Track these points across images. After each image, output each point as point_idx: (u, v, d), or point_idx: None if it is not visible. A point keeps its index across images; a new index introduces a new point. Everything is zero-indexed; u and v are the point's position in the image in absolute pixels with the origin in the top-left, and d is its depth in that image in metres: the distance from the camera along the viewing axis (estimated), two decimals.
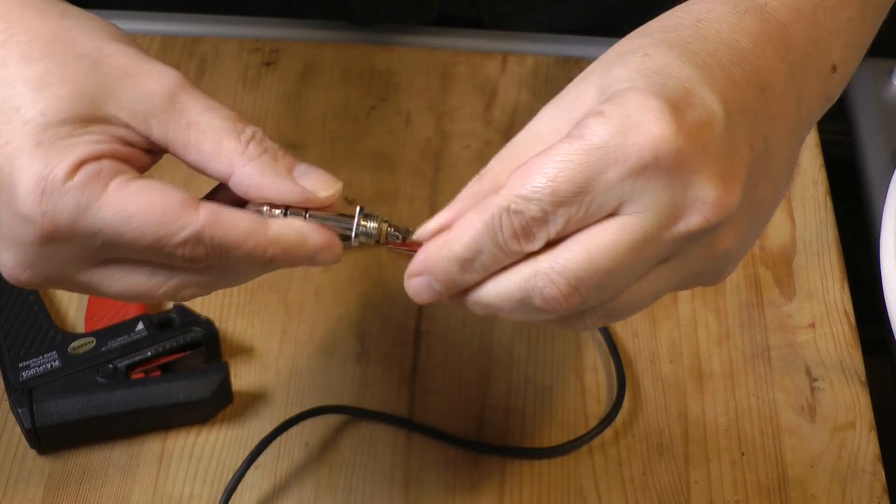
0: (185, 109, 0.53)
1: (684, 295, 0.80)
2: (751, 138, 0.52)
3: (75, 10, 0.55)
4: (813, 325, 0.79)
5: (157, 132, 0.53)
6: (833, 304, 0.80)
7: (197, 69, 0.92)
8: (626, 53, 0.53)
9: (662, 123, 0.49)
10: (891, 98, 0.92)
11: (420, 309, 0.79)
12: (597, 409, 0.75)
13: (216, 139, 0.52)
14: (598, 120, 0.49)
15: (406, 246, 0.55)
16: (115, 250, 0.52)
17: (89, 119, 0.51)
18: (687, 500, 0.71)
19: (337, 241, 0.54)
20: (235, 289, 0.80)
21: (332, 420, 0.74)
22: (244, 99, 0.90)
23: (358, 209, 0.55)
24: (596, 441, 0.73)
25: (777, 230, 0.84)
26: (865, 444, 0.74)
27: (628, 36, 0.55)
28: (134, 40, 0.55)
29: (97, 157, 0.51)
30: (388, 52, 0.94)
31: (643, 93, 0.50)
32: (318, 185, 0.54)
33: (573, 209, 0.50)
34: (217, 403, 0.73)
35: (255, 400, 0.75)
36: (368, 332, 0.78)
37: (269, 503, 0.71)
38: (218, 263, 0.53)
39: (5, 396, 0.73)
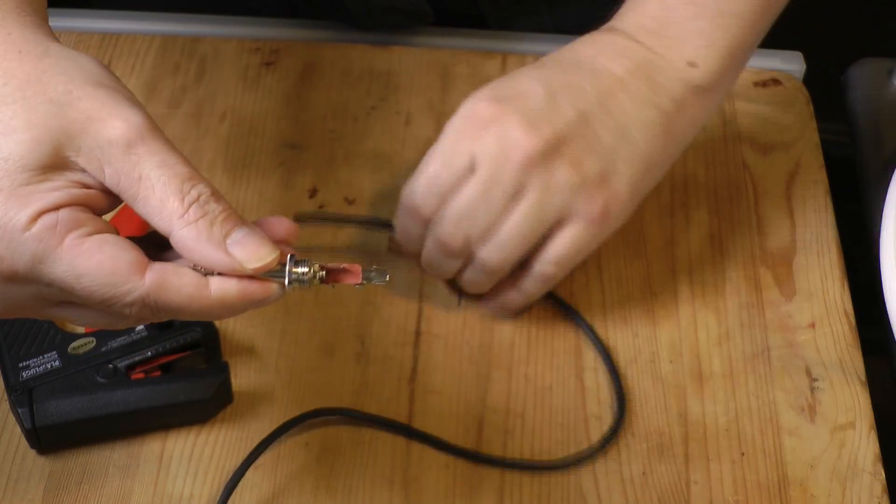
0: (140, 162, 0.53)
1: (684, 295, 0.80)
2: (575, 103, 0.71)
3: (55, 50, 0.55)
4: (813, 325, 0.79)
5: (110, 180, 0.54)
6: (833, 304, 0.80)
7: (197, 69, 0.92)
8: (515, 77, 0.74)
9: (480, 96, 0.72)
10: (891, 98, 0.92)
11: (420, 309, 0.79)
12: (597, 409, 0.75)
13: (161, 197, 0.54)
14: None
15: (339, 281, 0.58)
16: (70, 298, 0.54)
17: (49, 165, 0.53)
18: (687, 500, 0.71)
19: (274, 289, 0.56)
20: None
21: (333, 420, 0.74)
22: (244, 99, 0.90)
23: (289, 257, 0.56)
24: (596, 441, 0.73)
25: (777, 230, 0.84)
26: (865, 444, 0.74)
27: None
28: (115, 78, 0.56)
29: (56, 208, 0.53)
30: (388, 52, 0.94)
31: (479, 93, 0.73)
32: (250, 255, 0.55)
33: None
34: (217, 403, 0.73)
35: (255, 400, 0.75)
36: (368, 332, 0.78)
37: (269, 503, 0.71)
38: (166, 317, 0.56)
39: (5, 396, 0.73)
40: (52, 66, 0.54)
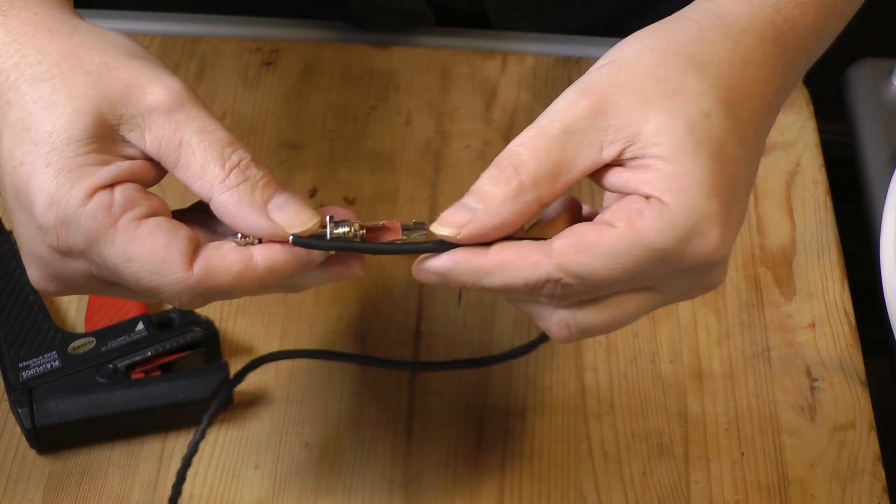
0: (180, 128, 0.54)
1: None
2: (748, 200, 0.57)
3: (84, 27, 0.56)
4: (813, 325, 0.79)
5: (151, 147, 0.54)
6: (833, 304, 0.80)
7: (197, 69, 0.92)
8: (688, 100, 0.54)
9: (720, 237, 0.53)
10: (891, 98, 0.92)
11: (420, 309, 0.79)
12: (596, 409, 0.75)
13: (202, 162, 0.53)
14: (662, 218, 0.52)
15: (380, 239, 0.56)
16: (120, 280, 0.54)
17: (94, 135, 0.53)
18: (687, 500, 0.71)
19: (315, 255, 0.55)
20: None
21: (333, 420, 0.74)
22: (244, 99, 0.90)
23: (328, 218, 0.56)
24: (596, 441, 0.73)
25: (777, 230, 0.84)
26: (865, 444, 0.74)
27: (683, 50, 0.55)
28: (145, 49, 0.56)
29: (110, 184, 0.53)
30: (388, 52, 0.94)
31: (710, 198, 0.52)
32: (291, 220, 0.54)
33: (617, 288, 0.54)
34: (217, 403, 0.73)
35: (255, 400, 0.75)
36: (368, 332, 0.78)
37: (268, 503, 0.71)
38: (218, 300, 0.55)
39: (5, 396, 0.73)
40: (84, 41, 0.55)
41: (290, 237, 0.54)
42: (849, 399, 0.76)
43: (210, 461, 0.72)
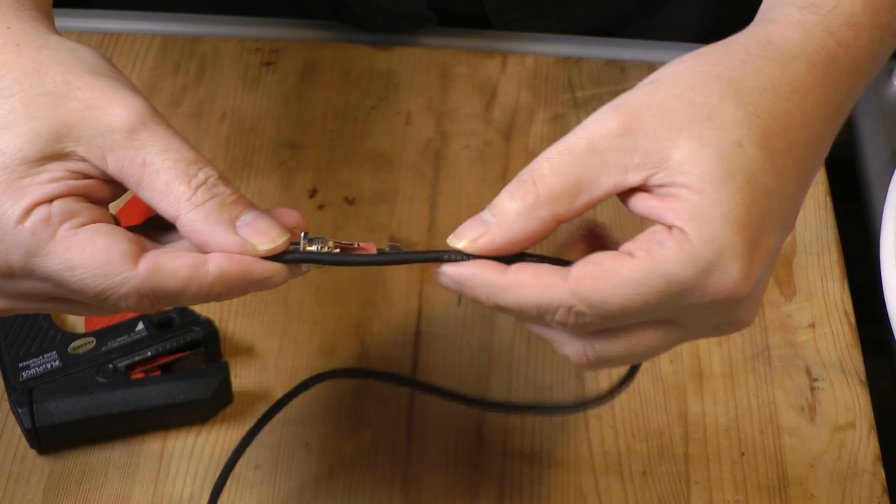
0: (143, 147, 0.53)
1: None
2: (782, 234, 0.54)
3: (54, 41, 0.55)
4: (813, 325, 0.79)
5: (113, 168, 0.53)
6: (833, 304, 0.80)
7: (197, 69, 0.92)
8: (721, 128, 0.52)
9: (743, 272, 0.51)
10: (891, 98, 0.92)
11: (420, 309, 0.79)
12: (597, 409, 0.75)
13: (167, 181, 0.53)
14: (682, 249, 0.51)
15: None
16: (66, 293, 0.53)
17: (47, 156, 0.52)
18: (687, 500, 0.71)
19: (278, 269, 0.54)
20: None
21: (333, 420, 0.74)
22: (244, 99, 0.90)
23: (302, 235, 0.55)
24: (596, 441, 0.73)
25: None
26: (865, 444, 0.74)
27: (725, 75, 0.54)
28: (114, 67, 0.55)
29: (49, 199, 0.52)
30: (388, 52, 0.94)
31: (735, 231, 0.51)
32: (259, 237, 0.53)
33: (633, 320, 0.52)
34: (217, 403, 0.73)
35: (255, 400, 0.75)
36: (368, 332, 0.78)
37: (268, 503, 0.71)
38: (167, 305, 0.54)
39: (5, 396, 0.73)
40: (49, 57, 0.54)
41: (261, 255, 0.53)
42: (849, 399, 0.76)
43: (210, 461, 0.72)
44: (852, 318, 0.79)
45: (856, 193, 0.88)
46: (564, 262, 0.53)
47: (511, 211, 0.52)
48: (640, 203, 0.53)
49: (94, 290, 0.52)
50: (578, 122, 0.90)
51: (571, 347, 0.54)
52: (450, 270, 0.53)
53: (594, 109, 0.92)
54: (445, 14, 0.95)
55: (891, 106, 0.91)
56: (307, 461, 0.72)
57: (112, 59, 0.91)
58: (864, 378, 0.77)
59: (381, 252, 0.55)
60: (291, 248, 0.54)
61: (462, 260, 0.53)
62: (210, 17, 0.96)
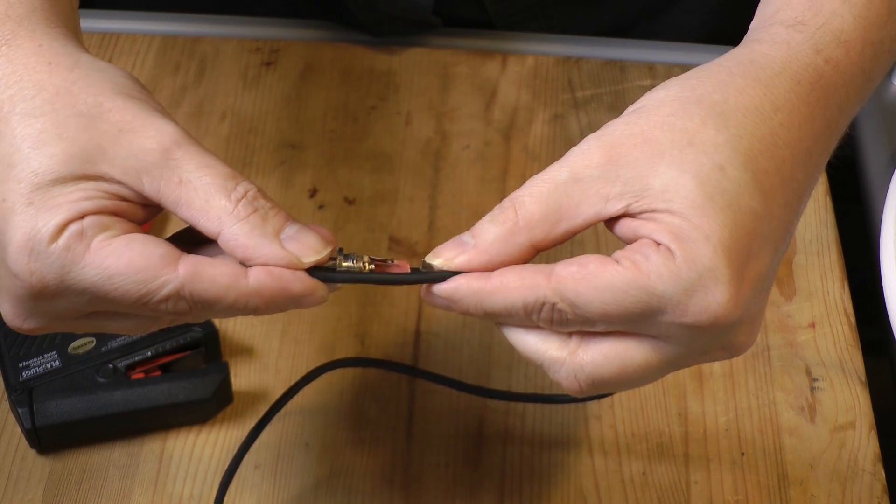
0: (179, 166, 0.53)
1: None
2: (774, 256, 0.54)
3: (86, 61, 0.55)
4: (813, 325, 0.79)
5: (150, 188, 0.53)
6: (833, 304, 0.80)
7: (197, 69, 0.92)
8: (702, 152, 0.52)
9: (728, 296, 0.51)
10: (891, 98, 0.92)
11: (420, 309, 0.79)
12: (596, 409, 0.75)
13: (206, 197, 0.53)
14: (666, 266, 0.51)
15: (390, 271, 0.56)
16: (104, 304, 0.53)
17: (80, 177, 0.52)
18: (687, 500, 0.71)
19: (320, 287, 0.54)
20: None
21: (333, 420, 0.74)
22: (244, 99, 0.90)
23: (338, 250, 0.55)
24: (596, 441, 0.73)
25: None
26: (865, 444, 0.74)
27: (706, 98, 0.54)
28: (145, 89, 0.55)
29: (81, 216, 0.52)
30: (388, 52, 0.94)
31: (718, 254, 0.51)
32: (305, 249, 0.54)
33: (615, 326, 0.52)
34: (217, 403, 0.73)
35: (255, 400, 0.75)
36: (368, 332, 0.78)
37: (268, 503, 0.71)
38: (202, 313, 0.54)
39: (5, 396, 0.73)
40: (82, 77, 0.54)
41: (306, 268, 0.53)
42: (849, 399, 0.76)
43: (210, 461, 0.72)
44: (852, 318, 0.79)
45: (856, 193, 0.88)
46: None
47: (489, 235, 0.53)
48: (624, 227, 0.53)
49: (134, 295, 0.52)
50: (578, 122, 0.90)
51: (563, 374, 0.54)
52: (438, 288, 0.54)
53: (594, 109, 0.94)
54: (450, 20, 0.95)
55: (891, 106, 0.91)
56: (307, 461, 0.72)
57: (112, 59, 0.92)
58: (864, 378, 0.77)
59: (414, 270, 0.56)
60: (329, 262, 0.55)
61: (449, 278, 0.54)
62: (210, 17, 0.96)
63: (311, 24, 0.96)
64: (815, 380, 0.76)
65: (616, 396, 0.75)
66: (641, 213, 0.52)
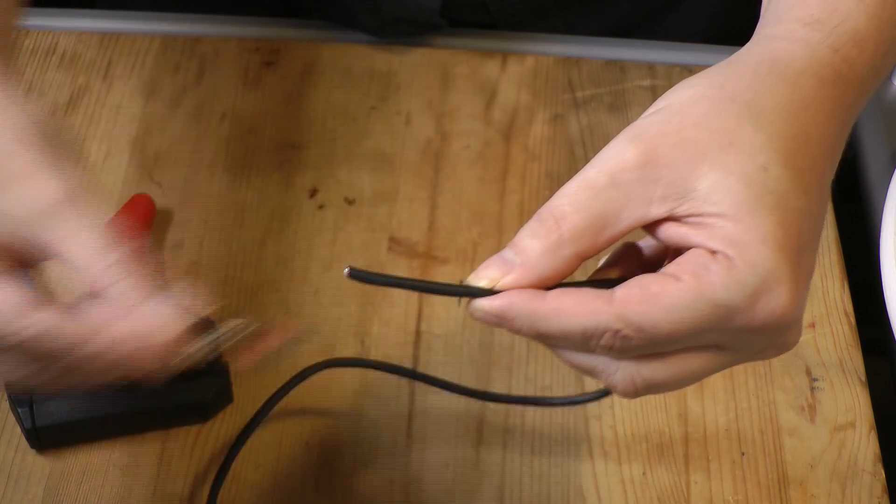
0: (60, 224, 0.52)
1: None
2: (816, 251, 0.54)
3: None
4: (813, 325, 0.79)
5: (30, 241, 0.53)
6: (833, 304, 0.80)
7: (197, 69, 0.92)
8: (744, 153, 0.51)
9: (790, 295, 0.50)
10: (891, 98, 0.92)
11: (420, 309, 0.79)
12: (596, 410, 0.75)
13: (84, 258, 0.52)
14: (729, 274, 0.50)
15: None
16: None
17: None
18: (687, 500, 0.71)
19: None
20: (235, 289, 0.80)
21: (333, 420, 0.74)
22: (244, 99, 0.90)
23: (206, 321, 0.55)
24: (596, 441, 0.73)
25: None
26: (865, 444, 0.74)
27: (738, 97, 0.53)
28: (54, 131, 0.55)
29: None
30: (388, 52, 0.94)
31: (776, 254, 0.50)
32: (188, 308, 0.53)
33: (681, 344, 0.51)
34: (217, 404, 0.73)
35: (255, 400, 0.75)
36: (368, 332, 0.78)
37: (268, 503, 0.71)
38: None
39: (5, 396, 0.73)
40: None
41: (346, 269, 0.52)
42: (849, 399, 0.76)
43: (210, 461, 0.72)
44: (852, 318, 0.79)
45: (856, 193, 0.88)
46: (601, 284, 0.52)
47: (534, 250, 0.51)
48: (670, 231, 0.52)
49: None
50: (578, 122, 0.90)
51: (619, 377, 0.53)
52: (485, 304, 0.51)
53: (594, 109, 0.94)
54: (452, 22, 0.94)
55: (891, 106, 0.91)
56: (307, 461, 0.72)
57: (112, 59, 0.92)
58: (864, 378, 0.77)
59: (410, 280, 0.55)
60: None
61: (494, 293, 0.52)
62: (210, 17, 0.96)
63: (311, 24, 0.96)
64: (815, 380, 0.76)
65: (616, 397, 0.75)
66: (687, 216, 0.51)
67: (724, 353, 0.52)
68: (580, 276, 0.53)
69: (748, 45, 0.57)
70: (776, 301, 0.50)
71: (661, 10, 0.97)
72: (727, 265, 0.50)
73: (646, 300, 0.50)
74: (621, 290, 0.50)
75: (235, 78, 0.92)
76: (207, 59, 0.93)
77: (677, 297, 0.49)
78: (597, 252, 0.52)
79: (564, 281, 0.52)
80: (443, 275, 0.81)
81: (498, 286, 0.51)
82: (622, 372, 0.52)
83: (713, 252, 0.50)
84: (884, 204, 0.81)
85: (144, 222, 0.81)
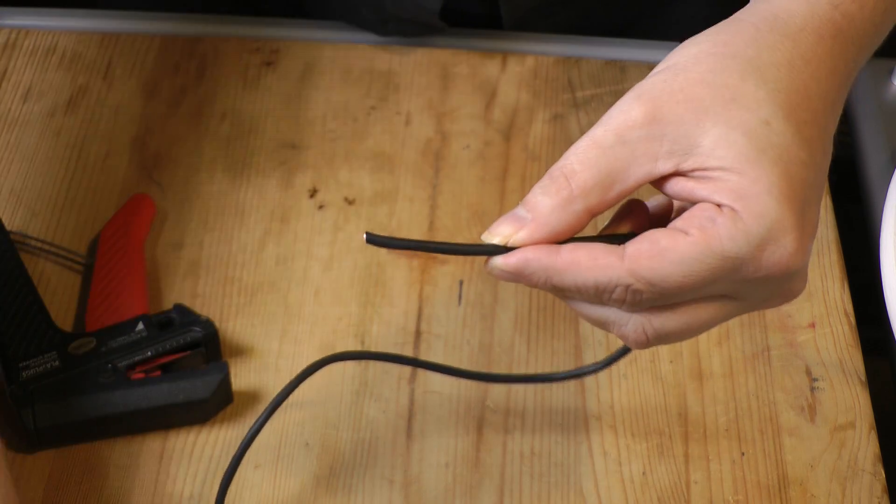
0: None
1: None
2: (819, 202, 0.55)
3: None
4: (813, 325, 0.79)
5: None
6: (833, 304, 0.80)
7: (197, 69, 0.92)
8: (746, 108, 0.53)
9: (796, 244, 0.52)
10: (891, 98, 0.92)
11: (420, 309, 0.79)
12: (596, 410, 0.75)
13: None
14: (735, 226, 0.51)
15: None
16: None
17: None
18: (687, 500, 0.71)
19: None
20: (235, 289, 0.80)
21: (333, 420, 0.74)
22: (244, 99, 0.90)
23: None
24: (596, 441, 0.73)
25: None
26: (865, 444, 0.74)
27: (741, 54, 0.54)
28: None
29: None
30: (388, 52, 0.94)
31: (781, 204, 0.52)
32: None
33: (691, 295, 0.53)
34: (217, 403, 0.73)
35: (255, 400, 0.75)
36: (368, 332, 0.78)
37: (268, 503, 0.71)
38: None
39: (5, 396, 0.73)
40: None
41: (365, 234, 0.54)
42: (849, 399, 0.76)
43: (210, 461, 0.72)
44: (852, 318, 0.79)
45: (856, 193, 0.88)
46: (613, 238, 0.54)
47: (546, 206, 0.53)
48: (677, 186, 0.53)
49: None
50: (578, 122, 0.90)
51: (630, 327, 0.55)
52: (501, 261, 0.54)
53: (594, 109, 0.93)
54: (459, 15, 0.94)
55: (891, 106, 0.91)
56: (307, 461, 0.72)
57: (112, 59, 0.92)
58: (864, 378, 0.77)
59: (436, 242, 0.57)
60: None
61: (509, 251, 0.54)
62: (210, 17, 0.96)
63: (311, 24, 0.96)
64: (815, 380, 0.76)
65: (616, 397, 0.75)
66: (693, 171, 0.53)
67: (733, 302, 0.54)
68: (590, 233, 0.55)
69: (750, 3, 0.58)
70: (782, 250, 0.52)
71: (663, 1, 0.97)
72: (733, 217, 0.51)
73: (655, 255, 0.52)
74: (632, 246, 0.52)
75: (235, 78, 0.92)
76: (207, 59, 0.93)
77: (686, 251, 0.51)
78: (606, 208, 0.54)
79: (577, 236, 0.54)
80: (443, 275, 0.81)
81: (511, 242, 0.54)
82: (634, 323, 0.55)
83: (719, 205, 0.52)
84: (884, 204, 0.81)
85: (144, 222, 0.81)
